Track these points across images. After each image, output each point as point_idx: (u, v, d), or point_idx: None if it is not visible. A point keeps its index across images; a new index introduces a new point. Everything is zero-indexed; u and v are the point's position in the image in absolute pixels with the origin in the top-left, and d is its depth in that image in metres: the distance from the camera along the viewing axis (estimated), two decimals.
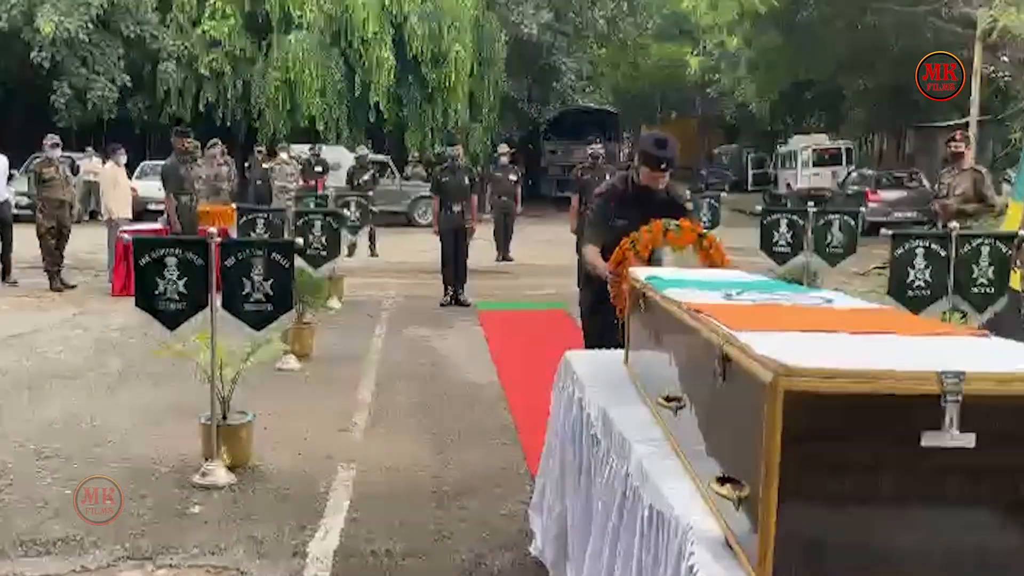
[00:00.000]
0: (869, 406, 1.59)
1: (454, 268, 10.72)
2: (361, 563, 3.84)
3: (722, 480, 1.83)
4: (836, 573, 1.63)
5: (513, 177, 15.31)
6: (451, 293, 10.68)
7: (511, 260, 14.93)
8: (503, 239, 15.13)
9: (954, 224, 6.20)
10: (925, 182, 19.98)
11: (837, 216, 8.21)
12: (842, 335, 1.95)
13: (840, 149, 28.62)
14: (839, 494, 1.62)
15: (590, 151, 11.24)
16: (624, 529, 2.37)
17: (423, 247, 13.46)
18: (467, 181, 10.82)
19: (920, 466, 1.60)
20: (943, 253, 5.61)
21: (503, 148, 16.20)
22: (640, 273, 3.20)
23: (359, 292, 11.32)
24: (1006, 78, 15.92)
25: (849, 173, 24.76)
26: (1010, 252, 5.82)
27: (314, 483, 4.74)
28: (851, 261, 8.85)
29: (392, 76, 24.02)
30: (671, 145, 4.46)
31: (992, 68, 18.12)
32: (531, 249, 15.48)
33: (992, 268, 5.67)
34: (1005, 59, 15.37)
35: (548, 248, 14.99)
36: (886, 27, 23.46)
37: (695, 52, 34.68)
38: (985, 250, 5.68)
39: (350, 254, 13.65)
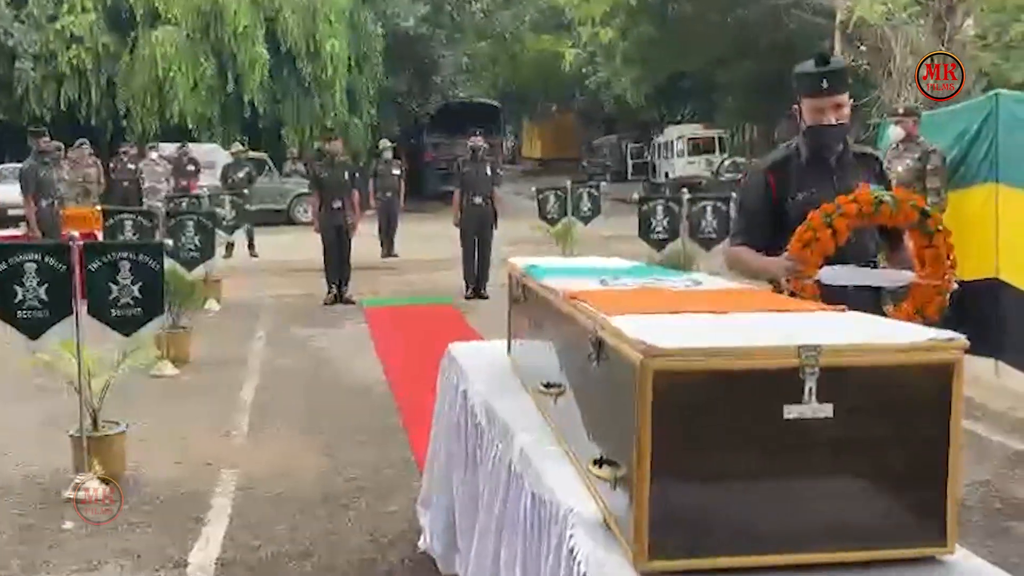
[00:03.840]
0: (735, 382, 1.63)
1: (337, 265, 10.56)
2: (245, 569, 3.74)
3: (599, 462, 1.85)
4: (710, 547, 1.67)
5: (396, 172, 15.20)
6: (335, 291, 10.53)
7: (396, 256, 14.83)
8: (387, 234, 15.01)
9: None
10: None
11: (711, 202, 8.48)
12: (710, 315, 2.00)
13: (714, 138, 29.50)
14: (710, 469, 1.66)
15: (471, 144, 11.23)
16: (508, 517, 2.38)
17: (304, 245, 13.22)
18: (347, 177, 10.67)
19: (785, 438, 1.65)
20: None
21: (385, 143, 16.04)
22: (519, 262, 3.22)
23: (239, 293, 11.02)
24: (864, 66, 16.69)
25: (723, 161, 25.56)
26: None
27: (195, 491, 4.60)
28: (726, 246, 9.15)
29: (266, 71, 23.46)
30: (836, 60, 3.23)
31: (852, 57, 18.98)
32: (416, 244, 15.40)
33: None
34: (863, 48, 16.11)
35: (433, 243, 14.94)
36: (754, 20, 24.28)
37: (571, 44, 35.11)
38: None
39: (227, 254, 13.31)
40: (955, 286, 2.96)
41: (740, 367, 1.63)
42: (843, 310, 2.11)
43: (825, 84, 3.04)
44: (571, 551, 1.81)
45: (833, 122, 3.05)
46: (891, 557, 1.71)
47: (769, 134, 32.41)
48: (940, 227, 2.93)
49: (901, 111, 6.88)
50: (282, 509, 4.36)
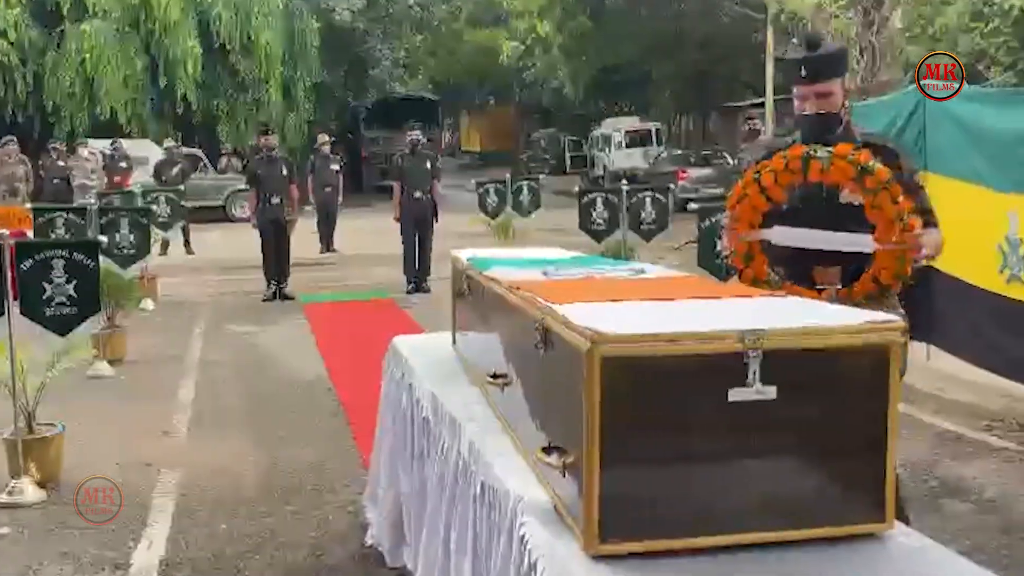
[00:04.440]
0: (681, 367, 1.66)
1: (276, 261, 10.44)
2: (190, 569, 3.68)
3: (548, 449, 1.87)
4: (659, 530, 1.70)
5: (335, 167, 15.05)
6: (274, 287, 10.40)
7: (335, 251, 14.69)
8: (326, 230, 14.86)
9: None
10: (729, 159, 21.11)
11: (649, 194, 8.57)
12: (654, 303, 2.03)
13: (650, 130, 29.78)
14: (658, 453, 1.69)
15: (409, 138, 11.18)
16: (458, 508, 2.39)
17: (242, 241, 13.02)
18: (285, 172, 10.54)
19: (731, 420, 1.69)
20: None
21: (323, 138, 15.86)
22: (463, 254, 3.23)
23: (176, 291, 10.84)
24: None
25: (660, 153, 25.81)
26: None
27: (135, 492, 4.50)
28: (665, 236, 9.24)
29: (199, 66, 22.97)
30: (826, 44, 3.06)
31: (784, 50, 19.33)
32: (355, 239, 15.27)
33: None
34: (795, 41, 16.44)
35: (373, 238, 14.83)
36: (688, 14, 24.59)
37: (508, 37, 35.14)
38: None
39: (163, 252, 13.06)
40: (922, 252, 2.72)
41: (686, 352, 1.65)
42: (784, 294, 2.16)
43: (803, 72, 2.94)
44: (522, 539, 1.82)
45: (813, 111, 2.95)
46: (834, 535, 1.75)
47: (704, 125, 32.92)
48: (887, 185, 2.64)
49: None
50: (225, 508, 4.30)
